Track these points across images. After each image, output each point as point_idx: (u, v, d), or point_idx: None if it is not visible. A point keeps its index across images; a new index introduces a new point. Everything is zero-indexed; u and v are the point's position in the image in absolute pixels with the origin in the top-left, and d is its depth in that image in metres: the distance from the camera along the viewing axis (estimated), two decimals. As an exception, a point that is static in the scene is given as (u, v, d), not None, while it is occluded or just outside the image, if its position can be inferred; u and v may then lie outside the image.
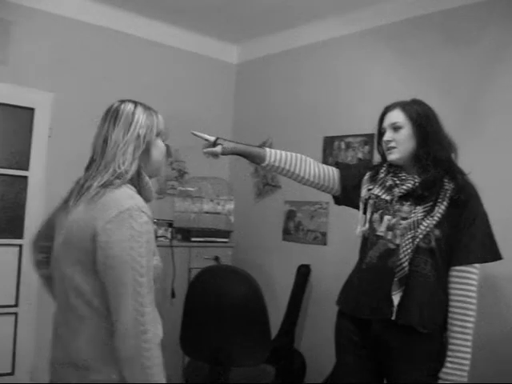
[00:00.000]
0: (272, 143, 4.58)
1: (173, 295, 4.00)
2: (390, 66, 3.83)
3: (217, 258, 4.25)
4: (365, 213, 2.36)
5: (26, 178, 3.89)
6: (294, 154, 2.50)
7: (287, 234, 4.43)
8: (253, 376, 3.20)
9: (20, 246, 3.87)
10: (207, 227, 4.53)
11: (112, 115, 1.88)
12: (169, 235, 4.18)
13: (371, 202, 2.33)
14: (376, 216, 2.29)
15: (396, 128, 2.26)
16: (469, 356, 2.12)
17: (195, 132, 2.49)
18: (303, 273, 4.15)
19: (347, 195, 2.48)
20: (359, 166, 2.48)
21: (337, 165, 2.62)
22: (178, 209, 4.55)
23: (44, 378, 3.93)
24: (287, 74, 4.60)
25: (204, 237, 4.33)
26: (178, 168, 4.64)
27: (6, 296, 3.84)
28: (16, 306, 3.86)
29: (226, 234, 4.48)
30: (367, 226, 2.32)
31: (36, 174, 3.92)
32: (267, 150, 2.48)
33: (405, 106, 2.29)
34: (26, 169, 3.90)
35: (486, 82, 3.30)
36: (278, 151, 2.49)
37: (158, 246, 4.08)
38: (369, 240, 2.31)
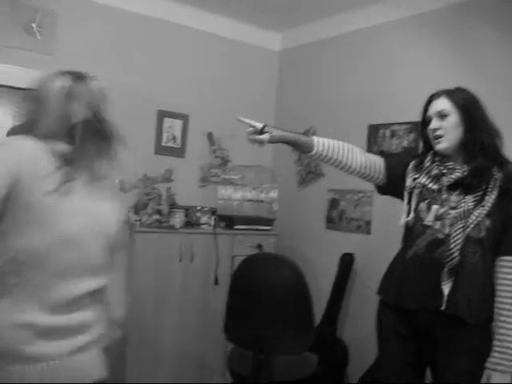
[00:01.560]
0: (315, 131, 4.55)
1: (216, 282, 4.03)
2: (433, 53, 3.74)
3: (260, 246, 4.26)
4: (409, 202, 2.32)
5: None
6: (341, 143, 2.47)
7: (331, 222, 4.41)
8: (295, 364, 3.20)
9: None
10: (250, 215, 4.54)
11: None
12: (212, 223, 4.21)
13: (417, 191, 2.30)
14: (423, 205, 2.26)
15: (443, 116, 2.23)
16: None
17: (241, 118, 2.45)
18: (347, 261, 4.13)
19: (392, 185, 2.45)
20: (403, 154, 2.44)
21: (381, 154, 2.59)
22: (221, 196, 4.56)
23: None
24: (330, 61, 4.55)
25: (247, 224, 4.34)
26: (221, 156, 4.66)
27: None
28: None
29: (269, 221, 4.49)
30: (412, 215, 2.29)
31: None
32: (315, 138, 2.45)
33: (450, 94, 2.25)
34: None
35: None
36: (326, 140, 2.46)
37: (201, 233, 4.13)
38: (415, 229, 2.27)
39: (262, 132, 2.37)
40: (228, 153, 4.68)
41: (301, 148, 2.46)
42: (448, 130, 2.22)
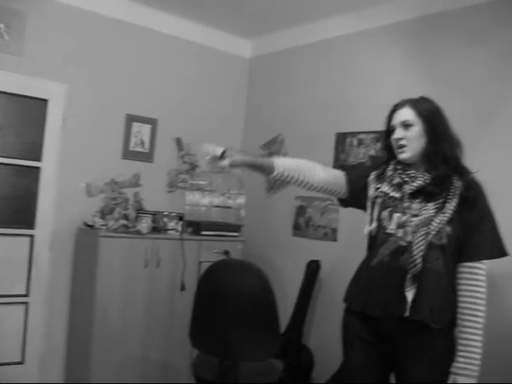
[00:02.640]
0: (284, 139, 4.58)
1: (182, 288, 4.01)
2: (404, 64, 3.80)
3: (227, 252, 4.26)
4: (372, 212, 2.35)
5: (38, 168, 3.91)
6: (302, 162, 2.45)
7: (297, 229, 4.43)
8: (261, 371, 3.20)
9: (31, 236, 3.90)
10: (217, 221, 4.54)
11: None
12: (179, 228, 4.20)
13: (379, 200, 2.33)
14: (385, 214, 2.29)
15: (406, 126, 2.26)
16: (480, 351, 2.13)
17: (204, 147, 2.38)
18: (313, 268, 4.15)
19: (354, 197, 2.47)
20: (364, 166, 2.47)
21: (342, 168, 2.60)
22: (188, 202, 4.56)
23: (53, 367, 3.99)
24: (299, 69, 4.58)
25: (214, 230, 4.34)
26: (189, 161, 4.64)
27: (17, 285, 3.87)
28: (27, 295, 3.89)
29: (236, 228, 4.49)
30: (375, 224, 2.32)
31: (48, 164, 3.94)
32: (275, 160, 2.41)
33: (414, 104, 2.28)
34: (39, 159, 3.92)
35: (501, 81, 3.27)
36: (287, 160, 2.45)
37: (168, 238, 4.12)
38: (378, 238, 2.30)
39: (222, 156, 2.31)
40: (196, 158, 4.67)
41: (263, 171, 2.43)
42: (411, 140, 2.26)
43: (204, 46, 4.75)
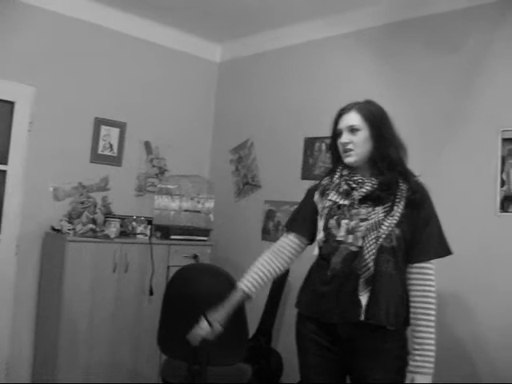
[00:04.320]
0: (253, 143, 4.60)
1: (151, 293, 3.99)
2: (371, 69, 3.85)
3: (195, 257, 4.25)
4: (320, 222, 2.37)
5: (4, 172, 3.86)
6: (264, 267, 2.52)
7: (266, 233, 4.44)
8: (230, 375, 3.20)
9: (2, 241, 3.85)
10: (187, 225, 4.53)
11: None
12: (148, 232, 4.18)
13: (326, 210, 2.35)
14: (332, 222, 2.31)
15: (353, 130, 2.29)
16: (434, 348, 2.18)
17: (191, 337, 2.49)
18: (281, 273, 4.15)
19: (314, 232, 2.46)
20: (305, 198, 2.50)
21: (288, 226, 2.61)
22: (157, 206, 4.54)
23: (19, 371, 3.93)
24: (269, 74, 4.61)
25: (183, 235, 4.33)
26: (158, 165, 4.63)
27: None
28: (-8, 301, 3.83)
29: (205, 232, 4.48)
30: (322, 234, 2.34)
31: (14, 168, 3.89)
32: (243, 287, 2.47)
33: (361, 108, 2.31)
34: (5, 163, 3.86)
35: (464, 88, 3.35)
36: (251, 279, 2.49)
37: (136, 243, 4.10)
38: (329, 246, 2.31)
39: (209, 324, 2.41)
40: (165, 162, 4.66)
41: (242, 305, 2.55)
42: (358, 145, 2.29)
43: (174, 49, 4.75)
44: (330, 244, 2.30)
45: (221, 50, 5.05)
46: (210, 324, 2.45)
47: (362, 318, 2.16)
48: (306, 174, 4.16)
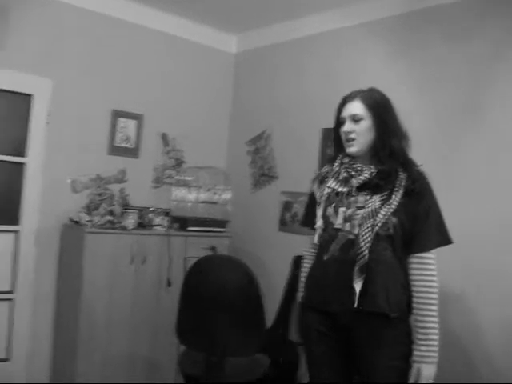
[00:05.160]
0: (270, 134, 4.59)
1: (168, 284, 4.01)
2: (388, 60, 3.81)
3: (213, 248, 4.26)
4: (318, 210, 2.38)
5: (23, 164, 3.89)
6: (306, 269, 2.56)
7: (284, 224, 4.44)
8: (247, 366, 3.21)
9: (16, 232, 3.88)
10: (204, 217, 4.53)
11: None
12: (165, 224, 4.19)
13: (324, 197, 2.35)
14: (330, 210, 2.31)
15: (356, 119, 2.28)
16: (438, 337, 2.20)
17: None
18: (299, 264, 4.14)
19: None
20: (310, 192, 2.53)
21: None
22: (174, 198, 4.55)
23: (39, 363, 3.98)
24: (286, 64, 4.58)
25: (200, 226, 4.34)
26: (175, 157, 4.64)
27: (2, 282, 3.85)
28: (12, 292, 3.87)
29: (222, 223, 4.49)
30: (321, 221, 2.34)
31: (33, 160, 3.91)
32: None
33: (364, 97, 2.30)
34: (24, 155, 3.89)
35: (482, 78, 3.30)
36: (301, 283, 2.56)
37: (154, 234, 4.12)
38: (327, 234, 2.32)
39: None
40: (182, 154, 4.66)
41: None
42: (360, 134, 2.28)
43: (190, 41, 4.74)
44: (328, 232, 2.31)
45: (237, 40, 5.04)
46: None
47: (355, 305, 2.17)
48: (323, 165, 4.12)
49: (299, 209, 4.29)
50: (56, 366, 4.00)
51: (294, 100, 4.46)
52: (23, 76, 3.84)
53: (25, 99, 3.90)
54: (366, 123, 2.27)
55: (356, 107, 2.29)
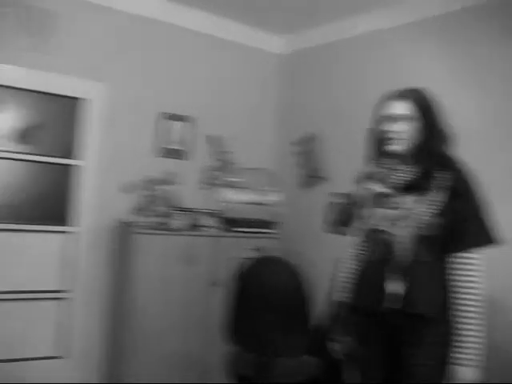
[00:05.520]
0: (319, 135, 4.55)
1: (217, 285, 4.03)
2: (440, 58, 3.75)
3: (261, 249, 4.26)
4: (363, 210, 2.38)
5: (78, 166, 4.00)
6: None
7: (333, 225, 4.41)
8: (296, 367, 3.21)
9: (72, 233, 4.00)
10: (252, 218, 4.54)
11: None
12: (214, 225, 4.22)
13: (367, 198, 2.34)
14: (371, 210, 2.30)
15: (406, 119, 2.25)
16: (481, 341, 2.16)
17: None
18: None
19: None
20: (349, 197, 2.58)
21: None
22: (223, 199, 4.57)
23: (92, 362, 4.05)
24: (336, 65, 4.55)
25: (249, 227, 4.35)
26: (223, 159, 4.66)
27: (59, 281, 3.97)
28: (67, 291, 3.98)
29: (271, 224, 4.49)
30: (361, 222, 2.34)
31: (88, 163, 4.02)
32: None
33: (416, 98, 2.28)
34: (79, 158, 4.00)
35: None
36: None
37: (203, 235, 4.13)
38: (369, 235, 2.32)
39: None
40: (231, 155, 4.68)
41: None
42: (408, 133, 2.26)
43: (237, 43, 4.76)
44: (372, 233, 2.30)
45: (284, 41, 5.03)
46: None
47: (400, 306, 2.16)
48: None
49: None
50: (107, 365, 4.07)
51: (343, 101, 4.41)
52: (78, 81, 3.95)
53: (81, 103, 4.02)
54: (415, 123, 2.26)
55: (407, 107, 2.27)
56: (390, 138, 2.29)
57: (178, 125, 4.43)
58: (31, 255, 3.88)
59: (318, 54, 4.71)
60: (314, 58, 4.77)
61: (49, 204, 4.01)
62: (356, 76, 4.36)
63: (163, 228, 3.92)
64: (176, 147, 4.43)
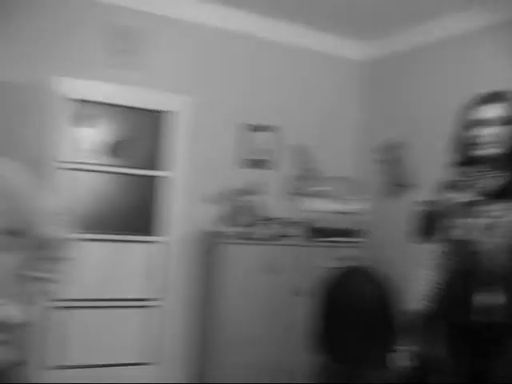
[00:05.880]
0: (405, 143, 4.46)
1: (302, 295, 4.01)
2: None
3: (347, 258, 4.21)
4: (450, 220, 2.29)
5: (168, 178, 4.13)
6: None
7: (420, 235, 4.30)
8: (376, 378, 3.16)
9: (162, 242, 4.12)
10: (337, 227, 4.50)
11: None
12: (299, 234, 4.21)
13: (453, 207, 2.26)
14: (459, 220, 2.21)
15: (503, 123, 2.16)
16: None
17: None
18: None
19: None
20: (432, 205, 2.49)
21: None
22: (307, 208, 4.56)
23: (181, 368, 4.11)
24: (420, 71, 4.45)
25: (333, 236, 4.31)
26: (307, 168, 4.65)
27: (149, 290, 4.10)
28: (159, 299, 4.10)
29: (355, 233, 4.44)
30: (448, 232, 2.26)
31: (177, 174, 4.14)
32: None
33: (506, 100, 2.21)
34: (169, 170, 4.13)
35: None
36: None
37: (288, 245, 4.12)
38: (459, 244, 2.23)
39: None
40: (314, 164, 4.67)
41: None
42: (499, 138, 2.16)
43: (317, 51, 4.76)
44: (459, 242, 2.21)
45: (365, 48, 4.97)
46: None
47: (499, 318, 2.07)
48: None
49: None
50: (195, 371, 4.13)
51: (431, 108, 4.30)
52: (165, 95, 4.08)
53: (167, 116, 4.15)
54: (507, 127, 2.18)
55: (498, 110, 2.19)
56: (479, 143, 2.21)
57: (261, 135, 4.46)
58: (119, 264, 4.04)
59: (398, 60, 4.63)
60: (393, 64, 4.70)
61: (136, 214, 4.15)
62: (434, 82, 4.25)
63: (248, 238, 3.96)
64: (260, 157, 4.46)
